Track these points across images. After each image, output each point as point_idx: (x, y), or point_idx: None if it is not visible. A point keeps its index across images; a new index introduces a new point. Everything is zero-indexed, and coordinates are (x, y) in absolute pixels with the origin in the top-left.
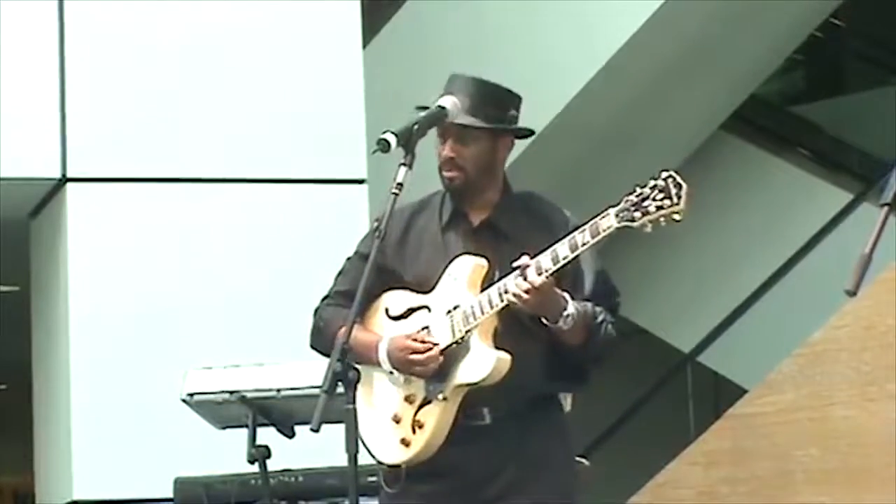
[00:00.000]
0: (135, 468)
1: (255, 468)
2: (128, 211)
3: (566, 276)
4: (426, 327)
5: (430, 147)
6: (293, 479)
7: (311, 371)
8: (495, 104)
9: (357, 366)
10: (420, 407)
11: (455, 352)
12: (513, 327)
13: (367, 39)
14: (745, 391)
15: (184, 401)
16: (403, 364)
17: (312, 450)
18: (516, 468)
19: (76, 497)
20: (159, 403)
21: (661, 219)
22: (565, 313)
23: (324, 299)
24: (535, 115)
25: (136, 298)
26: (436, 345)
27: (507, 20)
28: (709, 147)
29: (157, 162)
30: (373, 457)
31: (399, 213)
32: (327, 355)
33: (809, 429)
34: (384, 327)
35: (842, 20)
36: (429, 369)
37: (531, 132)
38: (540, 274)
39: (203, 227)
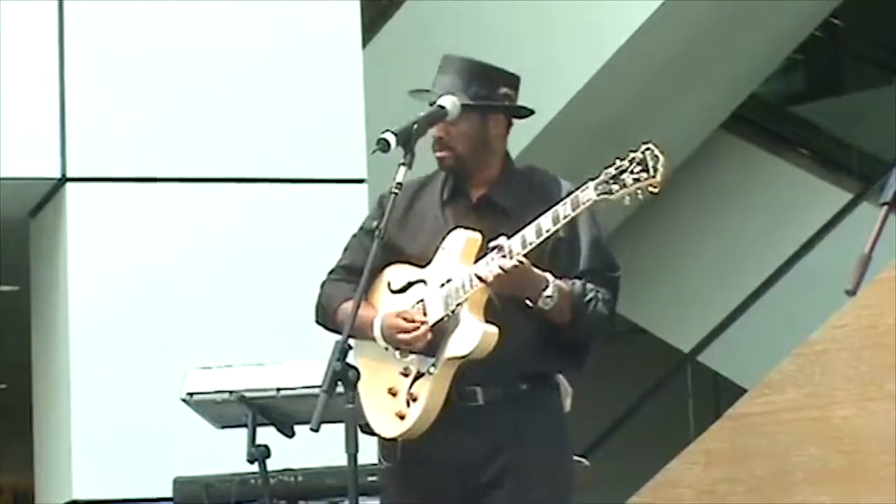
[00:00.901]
0: (134, 468)
1: (255, 468)
2: (127, 211)
3: (562, 249)
4: (422, 300)
5: (430, 147)
6: (293, 478)
7: (310, 371)
8: (483, 82)
9: (360, 339)
10: (414, 380)
11: (446, 325)
12: (506, 301)
13: (366, 38)
14: (744, 391)
15: (183, 400)
16: (393, 341)
17: (312, 449)
18: (510, 453)
19: (76, 496)
20: (159, 403)
21: (639, 192)
22: (545, 294)
23: (330, 273)
24: (537, 111)
25: (135, 298)
26: (424, 322)
27: (508, 18)
28: (709, 146)
29: (157, 162)
30: (373, 431)
31: (404, 190)
32: (331, 330)
33: (809, 428)
34: (385, 301)
35: (841, 20)
36: (416, 347)
37: (528, 111)
38: (512, 256)
39: (202, 227)
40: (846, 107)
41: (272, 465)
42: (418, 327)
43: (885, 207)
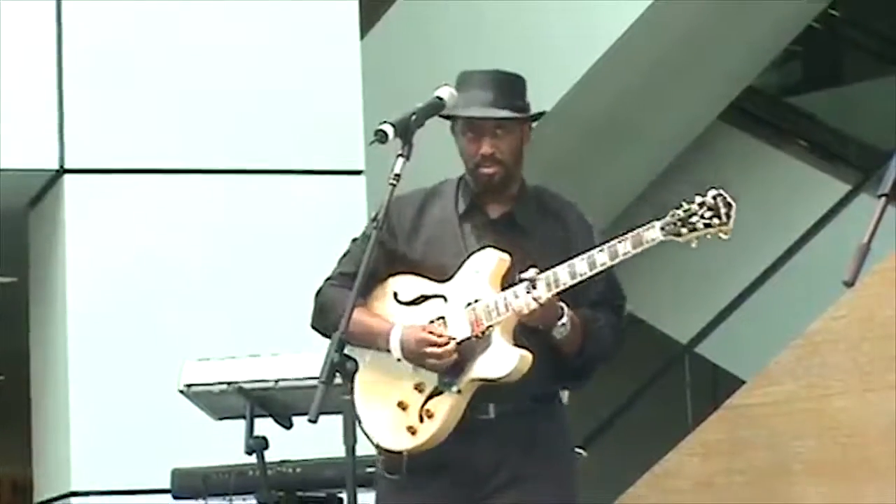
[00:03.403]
0: (132, 459)
1: (253, 459)
2: (125, 202)
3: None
4: (442, 318)
5: (428, 139)
6: (291, 470)
7: (308, 362)
8: (517, 93)
9: (357, 349)
10: (430, 397)
11: (473, 346)
12: (523, 325)
13: (364, 29)
14: (742, 382)
15: (181, 392)
16: (417, 356)
17: (310, 441)
18: (518, 461)
19: (74, 488)
20: (157, 394)
21: (708, 235)
22: (560, 323)
23: (327, 280)
24: (534, 103)
25: (133, 289)
26: (452, 339)
27: (505, 9)
28: (706, 138)
29: (155, 153)
30: (371, 441)
31: (410, 199)
32: (329, 336)
33: (807, 420)
34: (392, 312)
35: (840, 11)
36: (443, 363)
37: (543, 114)
38: (557, 287)
39: (201, 219)
40: (844, 98)
41: (270, 456)
42: (447, 343)
43: (884, 198)
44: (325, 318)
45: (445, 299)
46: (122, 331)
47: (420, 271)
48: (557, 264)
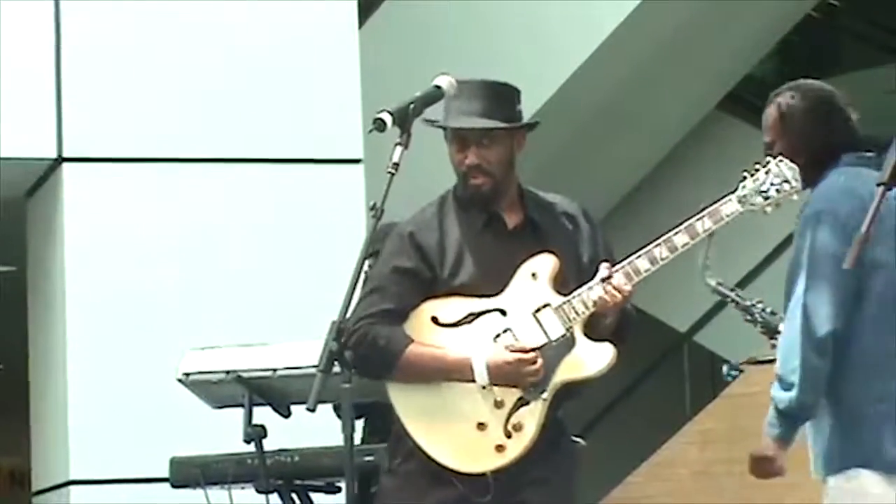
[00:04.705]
0: (131, 448)
1: (252, 448)
2: (124, 191)
3: (590, 263)
4: (507, 330)
5: (426, 129)
6: (289, 458)
7: (306, 350)
8: (507, 103)
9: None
10: (513, 410)
11: (550, 350)
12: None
13: (363, 18)
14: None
15: (180, 380)
16: (515, 376)
17: (308, 429)
18: (545, 461)
19: (73, 477)
20: (155, 383)
21: (780, 202)
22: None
23: (362, 320)
24: (532, 93)
25: (132, 278)
26: (532, 350)
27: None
28: (705, 126)
29: (153, 142)
30: (448, 469)
31: (427, 223)
32: (383, 377)
33: None
34: (436, 336)
35: (838, 0)
36: (540, 377)
37: (537, 123)
38: (638, 275)
39: (199, 207)
40: (842, 87)
41: (268, 445)
42: (537, 357)
43: (882, 187)
44: (383, 356)
45: (504, 312)
46: (120, 319)
47: (454, 291)
48: (572, 256)
